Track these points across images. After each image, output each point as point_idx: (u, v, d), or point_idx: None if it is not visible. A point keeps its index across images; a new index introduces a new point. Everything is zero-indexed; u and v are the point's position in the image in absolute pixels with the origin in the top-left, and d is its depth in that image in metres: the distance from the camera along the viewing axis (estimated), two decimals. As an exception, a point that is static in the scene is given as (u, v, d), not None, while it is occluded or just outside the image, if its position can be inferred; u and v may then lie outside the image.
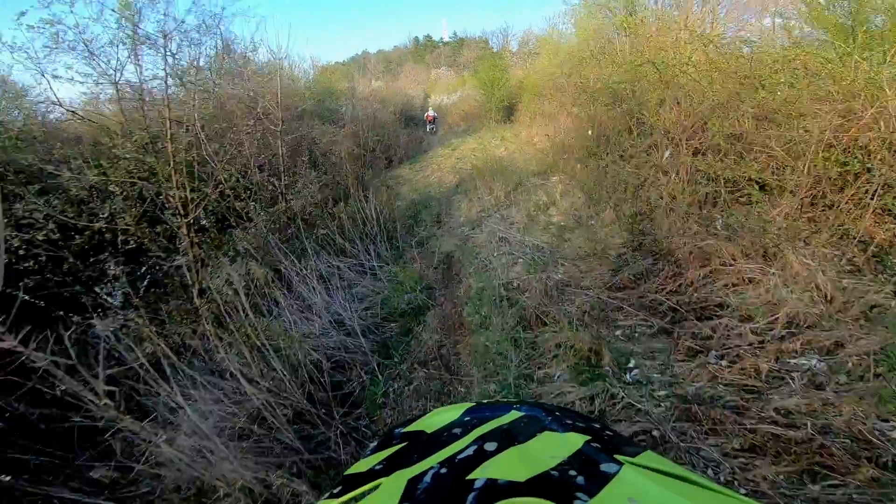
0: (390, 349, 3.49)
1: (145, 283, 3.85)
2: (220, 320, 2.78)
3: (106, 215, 3.88)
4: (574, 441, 0.47)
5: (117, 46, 4.02)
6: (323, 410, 2.54)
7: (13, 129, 4.23)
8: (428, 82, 50.50)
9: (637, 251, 3.89)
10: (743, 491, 1.70)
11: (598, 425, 0.54)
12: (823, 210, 3.07)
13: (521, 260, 4.39)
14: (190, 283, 3.55)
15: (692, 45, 4.66)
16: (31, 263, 3.53)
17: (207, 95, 4.77)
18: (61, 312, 3.15)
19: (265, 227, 4.76)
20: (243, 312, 2.57)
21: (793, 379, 2.22)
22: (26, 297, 2.84)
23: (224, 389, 2.35)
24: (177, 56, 4.13)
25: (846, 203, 2.94)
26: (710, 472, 1.84)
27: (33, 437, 2.45)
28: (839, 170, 2.96)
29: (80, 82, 3.96)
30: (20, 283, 3.30)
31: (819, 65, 3.14)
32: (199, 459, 1.90)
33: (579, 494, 0.38)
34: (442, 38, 68.44)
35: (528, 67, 13.84)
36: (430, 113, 17.52)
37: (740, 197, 3.60)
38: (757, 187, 3.41)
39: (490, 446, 0.47)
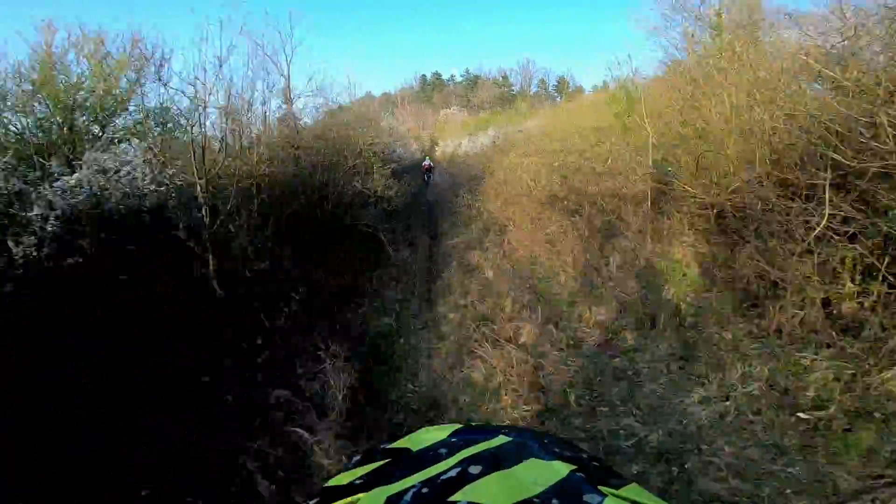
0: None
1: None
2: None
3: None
4: (559, 469, 0.46)
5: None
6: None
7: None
8: (435, 125, 41.39)
9: None
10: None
11: (585, 455, 0.54)
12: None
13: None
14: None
15: None
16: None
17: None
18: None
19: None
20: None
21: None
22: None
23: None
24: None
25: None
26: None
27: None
28: None
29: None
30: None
31: None
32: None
33: None
34: (452, 76, 60.48)
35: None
36: (427, 162, 16.21)
37: None
38: None
39: (474, 469, 0.46)
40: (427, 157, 17.23)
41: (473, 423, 0.65)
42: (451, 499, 0.40)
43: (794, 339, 3.04)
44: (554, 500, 0.39)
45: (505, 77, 52.44)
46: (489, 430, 0.56)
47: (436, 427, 0.61)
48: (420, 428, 0.62)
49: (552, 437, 0.59)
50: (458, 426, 0.60)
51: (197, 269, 4.28)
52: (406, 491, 0.43)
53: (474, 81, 56.32)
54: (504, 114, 21.13)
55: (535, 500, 0.39)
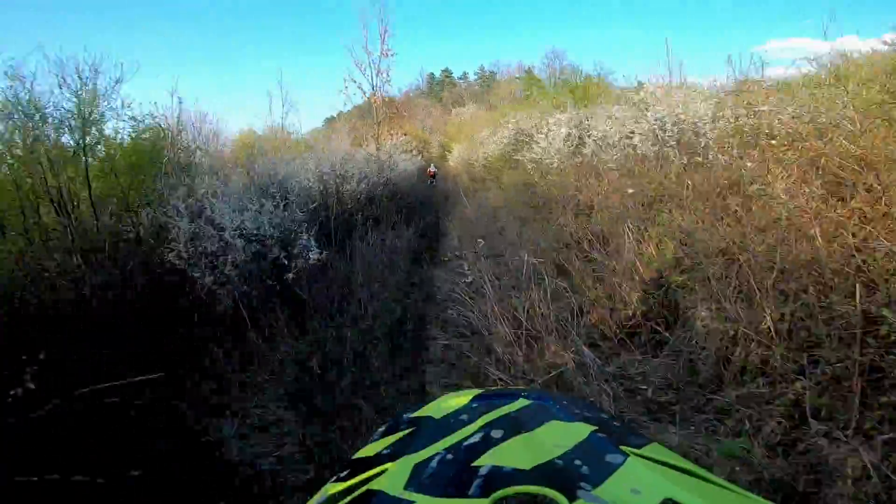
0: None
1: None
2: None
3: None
4: (580, 431, 0.46)
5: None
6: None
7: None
8: (446, 126, 32.37)
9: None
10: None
11: (605, 416, 0.55)
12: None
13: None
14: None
15: None
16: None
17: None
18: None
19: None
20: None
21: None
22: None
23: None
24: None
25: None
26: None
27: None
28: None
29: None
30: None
31: None
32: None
33: (583, 484, 0.37)
34: (465, 74, 51.40)
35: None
36: (432, 168, 15.84)
37: None
38: None
39: (497, 434, 0.47)
40: (432, 164, 16.98)
41: (493, 389, 0.66)
42: (476, 463, 0.41)
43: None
44: (576, 461, 0.40)
45: (529, 71, 42.96)
46: (509, 394, 0.56)
47: (456, 393, 0.61)
48: (441, 396, 0.62)
49: (572, 399, 0.60)
50: (478, 392, 0.60)
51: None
52: (432, 458, 0.44)
53: (491, 79, 47.16)
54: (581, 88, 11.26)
55: (557, 461, 0.40)
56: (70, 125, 3.53)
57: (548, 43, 61.93)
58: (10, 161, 3.31)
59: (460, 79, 52.78)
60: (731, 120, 3.83)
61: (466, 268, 3.57)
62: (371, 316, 3.14)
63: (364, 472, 0.45)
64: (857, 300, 1.62)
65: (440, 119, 37.51)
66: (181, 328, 2.88)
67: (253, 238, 3.10)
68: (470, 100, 39.83)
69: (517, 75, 44.45)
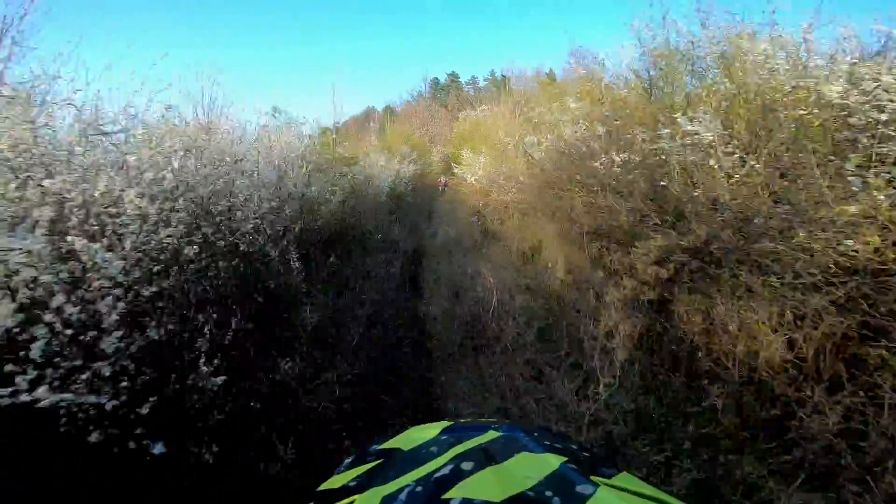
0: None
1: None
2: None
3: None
4: (551, 462, 0.46)
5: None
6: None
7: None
8: (453, 135, 25.13)
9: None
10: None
11: (575, 446, 0.54)
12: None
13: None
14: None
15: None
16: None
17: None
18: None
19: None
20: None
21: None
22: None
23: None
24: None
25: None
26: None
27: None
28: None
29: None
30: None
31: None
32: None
33: None
34: (474, 78, 43.96)
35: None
36: (442, 179, 16.22)
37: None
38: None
39: (467, 466, 0.46)
40: (442, 175, 17.54)
41: (462, 421, 0.63)
42: (446, 496, 0.39)
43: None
44: (547, 493, 0.39)
45: (551, 72, 35.18)
46: (479, 427, 0.55)
47: (425, 426, 0.59)
48: (409, 428, 0.60)
49: (542, 430, 0.58)
50: (447, 424, 0.58)
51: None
52: (401, 490, 0.42)
53: (504, 84, 39.77)
54: None
55: (528, 493, 0.39)
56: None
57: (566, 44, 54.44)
58: None
59: (469, 83, 45.44)
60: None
61: None
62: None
63: None
64: None
65: (444, 125, 29.89)
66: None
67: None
68: (483, 103, 32.24)
69: (536, 80, 36.72)
